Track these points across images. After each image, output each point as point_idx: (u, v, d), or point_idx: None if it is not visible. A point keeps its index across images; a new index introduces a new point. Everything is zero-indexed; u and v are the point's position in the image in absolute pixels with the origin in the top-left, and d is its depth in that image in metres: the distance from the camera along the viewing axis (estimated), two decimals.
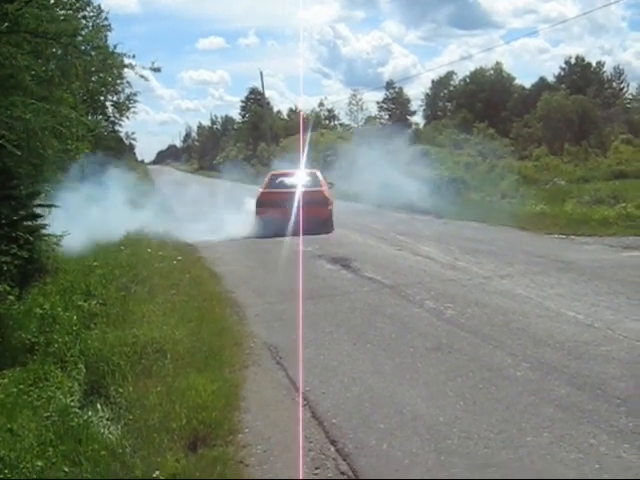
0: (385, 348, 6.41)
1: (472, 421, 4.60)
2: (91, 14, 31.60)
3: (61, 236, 11.06)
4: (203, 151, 73.56)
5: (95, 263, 9.98)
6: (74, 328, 7.02)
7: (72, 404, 5.29)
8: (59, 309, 7.59)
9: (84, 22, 30.46)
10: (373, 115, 71.81)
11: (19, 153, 7.92)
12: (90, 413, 5.06)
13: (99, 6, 32.68)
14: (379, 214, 19.34)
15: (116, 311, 7.49)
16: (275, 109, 78.00)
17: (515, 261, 10.76)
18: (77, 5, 28.91)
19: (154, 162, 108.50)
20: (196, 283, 9.49)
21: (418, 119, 72.82)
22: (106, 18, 32.72)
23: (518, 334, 6.58)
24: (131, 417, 4.78)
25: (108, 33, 34.28)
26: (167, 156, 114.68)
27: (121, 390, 5.26)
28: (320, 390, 5.35)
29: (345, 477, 3.98)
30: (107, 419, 4.96)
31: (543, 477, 3.87)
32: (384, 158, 26.42)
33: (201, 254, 12.95)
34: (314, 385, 5.47)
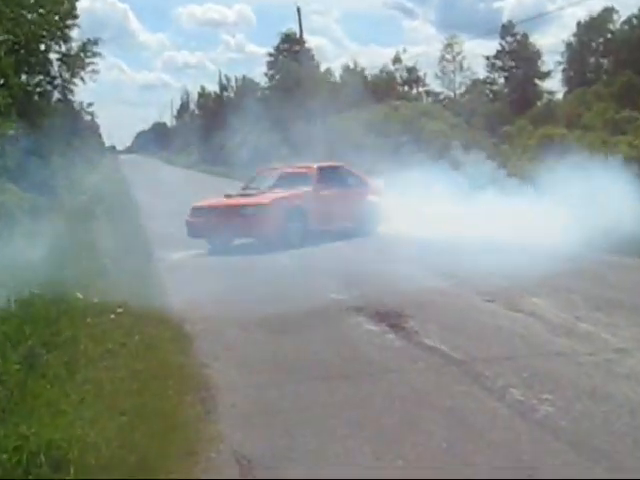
0: (425, 467, 6.34)
1: None
2: None
3: None
4: (206, 132, 73.94)
5: None
6: None
7: None
8: None
9: None
10: (480, 78, 71.66)
11: None
12: None
13: None
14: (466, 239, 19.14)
15: (6, 394, 7.55)
16: (324, 67, 78.61)
17: None
18: None
19: (130, 150, 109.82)
20: (148, 349, 9.55)
21: (554, 84, 72.43)
22: None
23: None
24: None
25: None
26: (151, 140, 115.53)
27: None
28: None
29: None
30: None
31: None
32: (492, 147, 26.29)
33: (171, 298, 13.04)
34: None
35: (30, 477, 5.91)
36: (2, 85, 25.82)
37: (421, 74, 76.79)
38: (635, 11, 66.78)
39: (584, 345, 9.64)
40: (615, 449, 6.47)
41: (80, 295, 11.43)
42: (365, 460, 6.54)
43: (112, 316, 10.64)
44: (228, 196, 21.80)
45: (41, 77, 39.08)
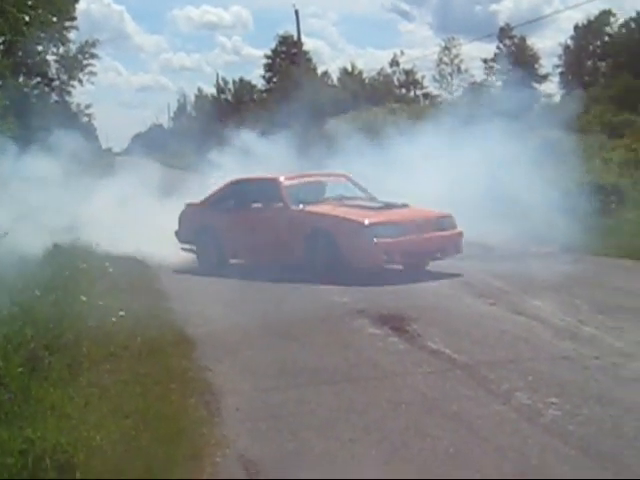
0: (434, 472, 6.31)
1: None
2: None
3: None
4: (203, 135, 73.77)
5: None
6: None
7: None
8: None
9: None
10: (478, 80, 71.79)
11: None
12: None
13: None
14: (467, 243, 19.09)
15: (10, 397, 7.52)
16: (321, 69, 78.77)
17: None
18: None
19: (127, 152, 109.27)
20: (151, 352, 9.55)
21: (551, 87, 72.53)
22: None
23: None
24: None
25: None
26: (148, 142, 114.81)
27: None
28: None
29: None
30: None
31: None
32: (488, 151, 26.22)
33: (171, 303, 13.09)
34: None
35: None
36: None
37: (419, 77, 77.00)
38: (633, 14, 66.95)
39: (589, 349, 9.61)
40: (623, 453, 6.44)
41: (84, 298, 11.41)
42: (371, 466, 6.52)
43: (114, 319, 10.61)
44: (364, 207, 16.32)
45: (39, 79, 39.08)
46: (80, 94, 50.30)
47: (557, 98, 66.98)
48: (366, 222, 14.90)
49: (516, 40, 72.40)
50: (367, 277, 14.71)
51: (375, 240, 14.67)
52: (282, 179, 17.06)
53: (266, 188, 17.09)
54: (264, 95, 77.65)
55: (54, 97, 41.54)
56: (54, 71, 40.67)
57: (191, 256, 18.42)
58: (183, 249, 18.48)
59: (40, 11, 32.59)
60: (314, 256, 15.29)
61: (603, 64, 69.73)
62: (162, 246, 18.31)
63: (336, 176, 18.40)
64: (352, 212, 15.63)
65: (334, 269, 14.85)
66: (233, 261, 17.76)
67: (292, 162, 24.95)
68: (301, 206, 16.18)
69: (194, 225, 18.29)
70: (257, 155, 25.54)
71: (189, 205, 19.03)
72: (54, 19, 35.53)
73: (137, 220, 19.67)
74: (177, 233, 18.69)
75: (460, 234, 15.93)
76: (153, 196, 22.69)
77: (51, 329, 9.85)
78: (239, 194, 17.70)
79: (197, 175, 32.16)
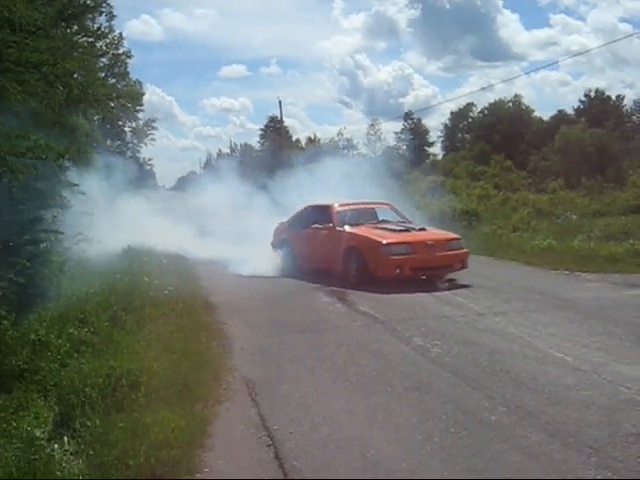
0: (363, 387, 6.31)
1: (435, 468, 4.48)
2: (112, 42, 32.34)
3: (63, 262, 11.00)
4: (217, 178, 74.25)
5: (92, 290, 9.98)
6: (59, 357, 7.02)
7: (41, 436, 5.26)
8: (52, 336, 7.56)
9: (105, 49, 31.17)
10: (391, 145, 71.84)
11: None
12: (56, 446, 5.02)
13: (120, 34, 33.49)
14: None
15: (100, 340, 7.47)
16: (295, 137, 78.59)
17: (513, 298, 10.63)
18: (98, 33, 29.48)
19: (174, 188, 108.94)
20: (188, 313, 9.47)
21: (436, 150, 72.92)
22: (120, 43, 33.30)
23: (500, 376, 6.44)
24: (92, 452, 4.72)
25: (128, 60, 35.13)
26: (187, 182, 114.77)
27: (88, 423, 5.22)
28: (288, 430, 5.26)
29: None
30: (71, 453, 4.91)
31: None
32: (396, 190, 26.27)
33: (202, 283, 13.03)
34: (283, 424, 5.38)
35: (115, 393, 5.85)
36: (94, 147, 25.59)
37: (355, 143, 76.85)
38: (486, 105, 67.96)
39: (459, 311, 9.70)
40: (479, 376, 6.49)
41: (146, 279, 11.30)
42: (324, 382, 6.52)
43: (165, 292, 10.52)
44: (389, 229, 13.40)
45: (119, 142, 39.05)
46: (145, 152, 50.20)
47: (440, 157, 67.41)
48: (384, 242, 12.50)
49: (415, 120, 72.64)
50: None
51: (391, 257, 12.28)
52: (335, 205, 14.46)
53: (324, 212, 14.47)
54: (259, 154, 77.32)
55: (128, 154, 41.61)
56: (129, 137, 41.03)
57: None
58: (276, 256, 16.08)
59: (120, 99, 32.65)
60: (349, 266, 12.89)
61: (468, 136, 70.19)
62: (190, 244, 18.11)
63: (380, 204, 15.25)
64: (377, 233, 13.07)
65: (362, 277, 12.49)
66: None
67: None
68: (345, 227, 13.66)
69: (280, 238, 15.96)
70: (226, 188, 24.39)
71: (280, 223, 16.38)
72: (129, 104, 35.54)
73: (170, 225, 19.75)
74: (272, 244, 16.24)
75: (466, 253, 13.18)
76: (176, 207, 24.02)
77: (126, 298, 9.76)
78: (307, 216, 15.08)
79: (195, 196, 31.75)
